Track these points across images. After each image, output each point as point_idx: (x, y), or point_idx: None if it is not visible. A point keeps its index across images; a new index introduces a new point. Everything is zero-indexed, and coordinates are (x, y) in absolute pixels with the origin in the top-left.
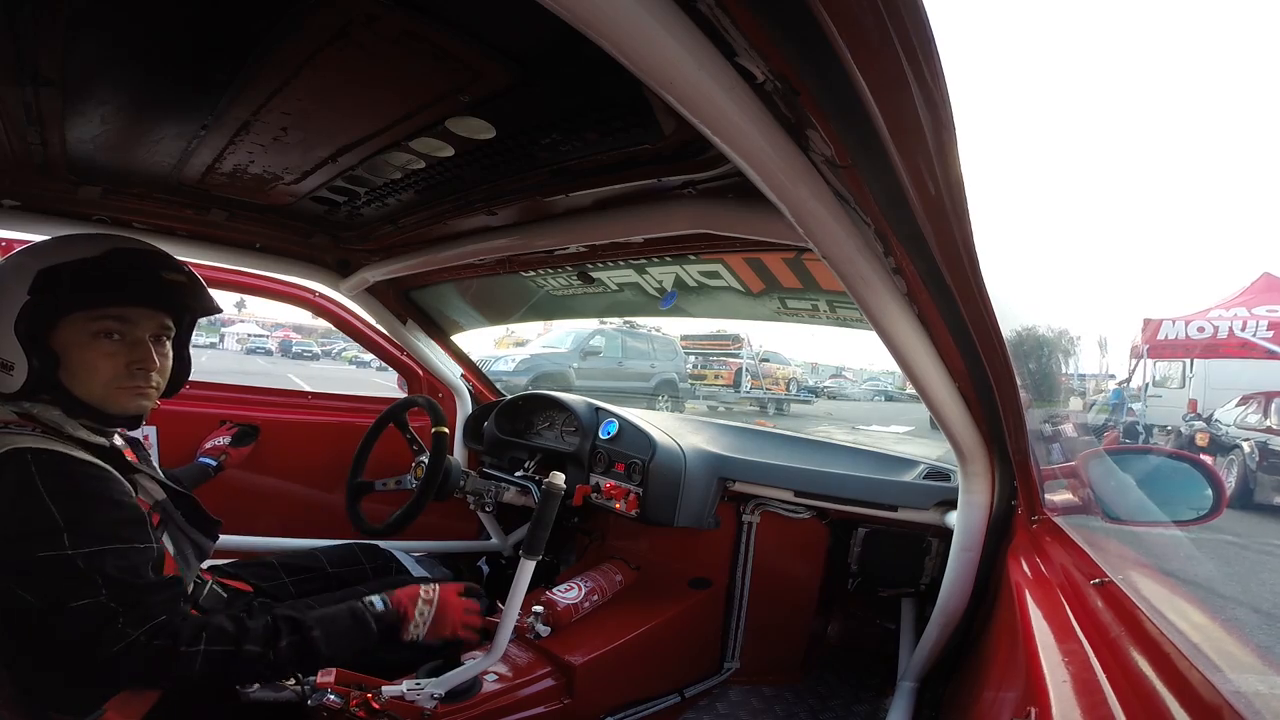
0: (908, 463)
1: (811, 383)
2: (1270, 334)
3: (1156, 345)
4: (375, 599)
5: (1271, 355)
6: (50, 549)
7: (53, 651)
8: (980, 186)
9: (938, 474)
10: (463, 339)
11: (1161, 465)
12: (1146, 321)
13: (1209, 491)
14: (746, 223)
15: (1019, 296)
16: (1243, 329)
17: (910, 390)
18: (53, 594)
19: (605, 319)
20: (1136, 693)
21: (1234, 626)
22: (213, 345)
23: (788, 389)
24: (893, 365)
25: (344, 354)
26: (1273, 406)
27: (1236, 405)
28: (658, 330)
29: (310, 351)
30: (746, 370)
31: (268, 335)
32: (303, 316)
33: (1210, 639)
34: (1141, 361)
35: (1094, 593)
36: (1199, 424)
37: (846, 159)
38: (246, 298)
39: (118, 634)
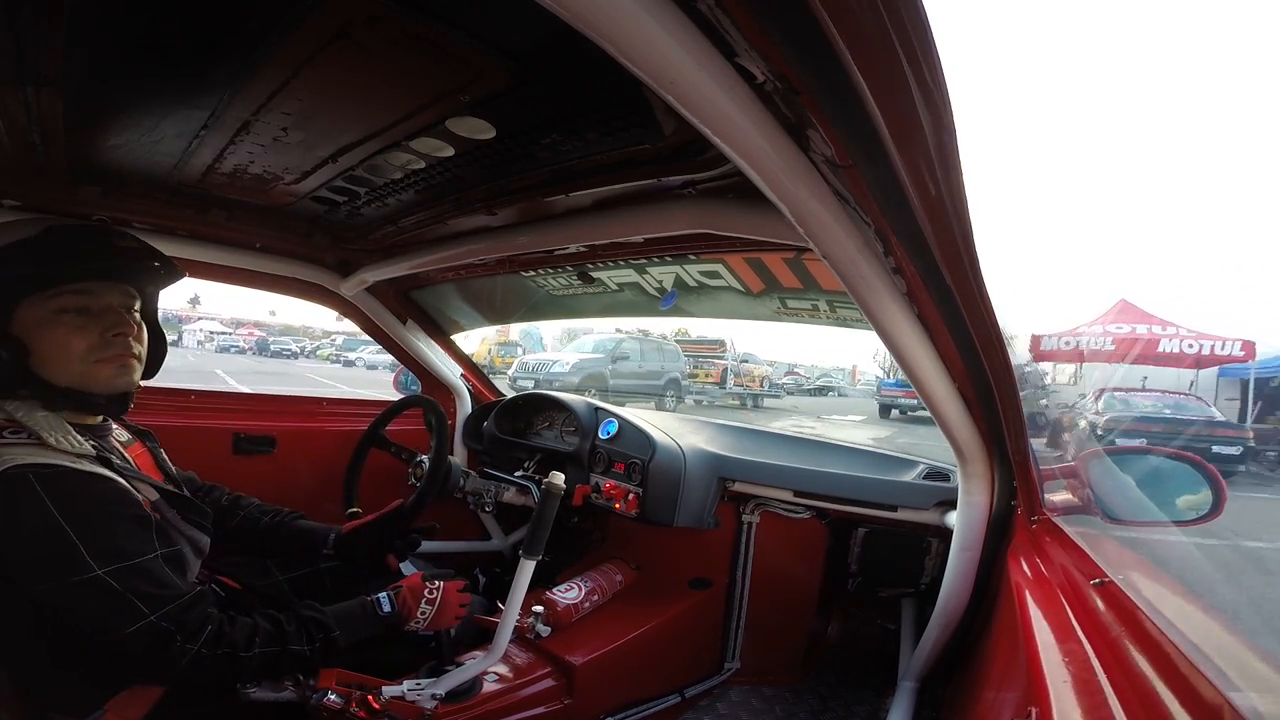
0: (907, 463)
1: (776, 379)
2: (1113, 347)
3: (1040, 354)
4: (383, 599)
5: (1108, 360)
6: (78, 573)
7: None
8: (980, 186)
9: (937, 474)
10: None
11: (1161, 465)
12: (1033, 336)
13: (1209, 491)
14: (746, 223)
15: (1019, 297)
16: (1097, 343)
17: (859, 385)
18: (100, 619)
19: (622, 328)
20: (1136, 693)
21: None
22: (173, 344)
23: (762, 386)
24: (842, 361)
25: (319, 352)
26: (1102, 398)
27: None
28: (664, 337)
29: (289, 350)
30: (731, 370)
31: (231, 332)
32: (262, 313)
33: (1211, 639)
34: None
35: (1094, 593)
36: (1066, 409)
37: (846, 159)
38: (201, 294)
39: (181, 650)
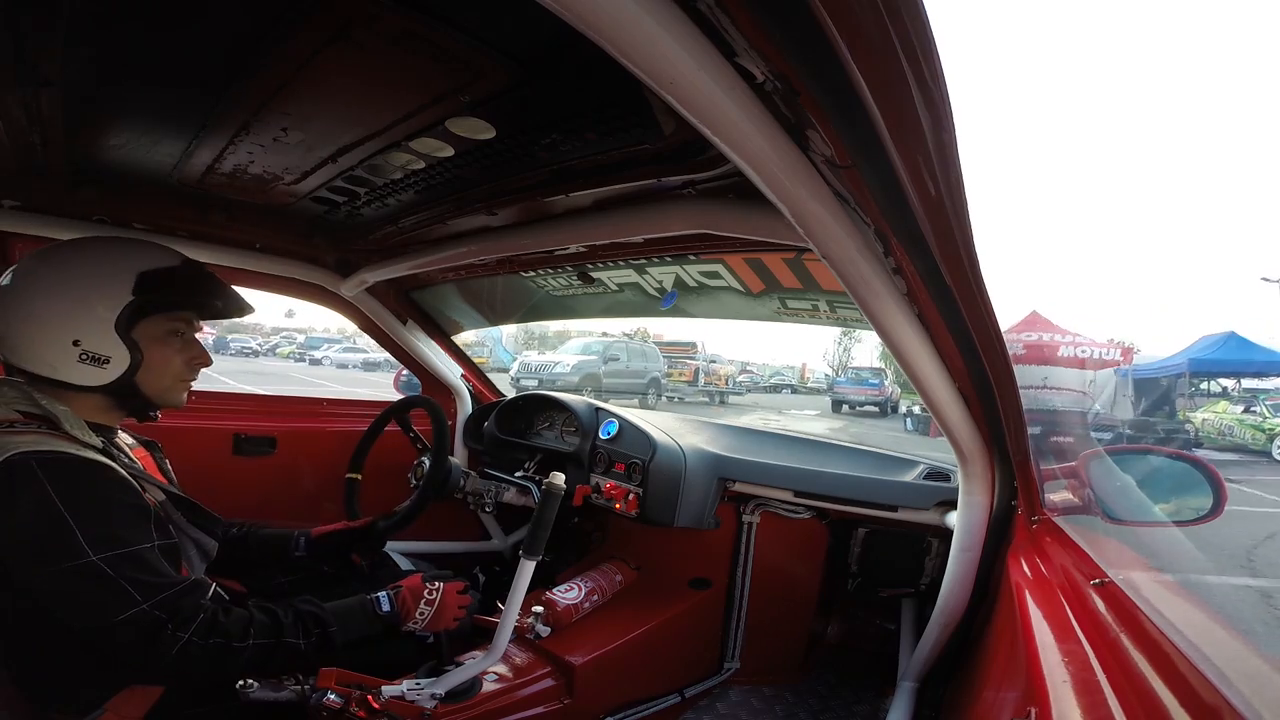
0: (908, 463)
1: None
2: (1024, 352)
3: None
4: (382, 598)
5: (1019, 363)
6: (73, 558)
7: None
8: (980, 186)
9: (938, 474)
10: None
11: (1161, 465)
12: None
13: (1209, 491)
14: (746, 223)
15: (1020, 296)
16: (1011, 349)
17: (812, 383)
18: (92, 606)
19: (608, 332)
20: (1136, 693)
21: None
22: None
23: (726, 384)
24: (792, 360)
25: (278, 350)
26: None
27: None
28: (646, 340)
29: (249, 348)
30: (701, 369)
31: None
32: None
33: (1211, 639)
34: None
35: (1094, 593)
36: None
37: (846, 159)
38: None
39: (171, 638)
